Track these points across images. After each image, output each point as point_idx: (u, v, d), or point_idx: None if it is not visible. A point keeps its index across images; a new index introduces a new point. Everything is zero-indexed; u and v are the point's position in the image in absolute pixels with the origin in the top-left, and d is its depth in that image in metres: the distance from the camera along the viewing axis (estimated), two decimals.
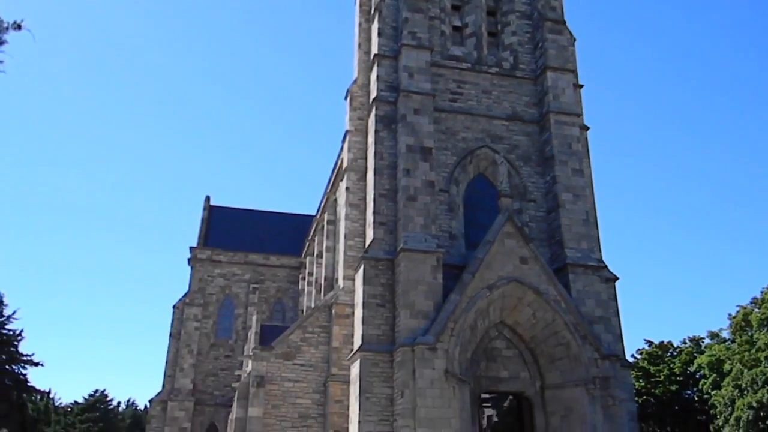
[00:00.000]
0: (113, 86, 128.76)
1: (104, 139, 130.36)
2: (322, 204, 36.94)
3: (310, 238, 41.92)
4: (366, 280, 23.24)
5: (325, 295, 30.84)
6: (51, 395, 55.41)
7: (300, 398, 26.32)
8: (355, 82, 29.38)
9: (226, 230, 51.17)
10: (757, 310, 35.44)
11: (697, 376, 40.66)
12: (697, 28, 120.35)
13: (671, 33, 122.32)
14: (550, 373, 22.89)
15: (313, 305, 33.98)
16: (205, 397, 44.36)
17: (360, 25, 30.05)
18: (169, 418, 42.53)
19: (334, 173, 33.07)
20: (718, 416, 35.18)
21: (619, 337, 25.20)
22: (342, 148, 30.40)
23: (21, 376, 39.77)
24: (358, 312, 23.53)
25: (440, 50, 27.74)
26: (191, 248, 48.50)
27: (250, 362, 27.78)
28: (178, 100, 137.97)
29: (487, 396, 23.74)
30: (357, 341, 23.32)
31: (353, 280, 25.49)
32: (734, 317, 36.46)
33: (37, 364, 40.35)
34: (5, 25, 10.59)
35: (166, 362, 45.17)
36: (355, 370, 22.90)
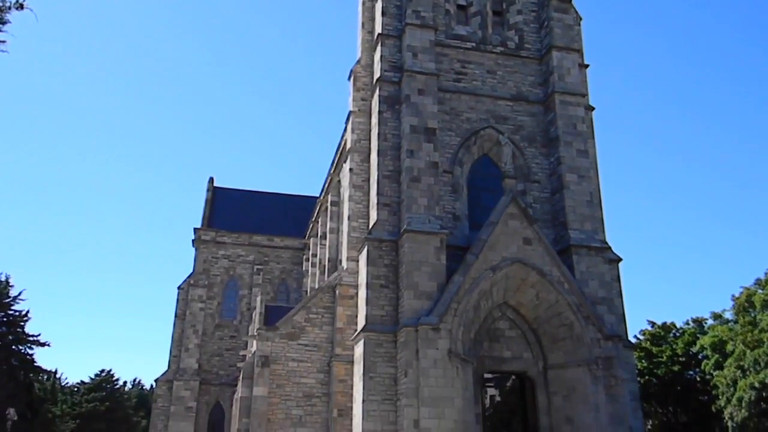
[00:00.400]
0: (116, 68, 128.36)
1: (109, 121, 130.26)
2: (326, 185, 36.88)
3: (313, 219, 41.93)
4: (370, 261, 23.29)
5: (329, 276, 30.93)
6: (57, 375, 55.99)
7: (304, 378, 26.55)
8: (358, 62, 29.16)
9: (230, 212, 51.22)
10: (760, 291, 35.44)
11: (700, 357, 40.80)
12: (704, 8, 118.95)
13: (678, 12, 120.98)
14: (552, 354, 23.01)
15: (317, 286, 34.09)
16: (210, 377, 44.77)
17: (363, 3, 29.72)
18: (175, 398, 42.96)
19: (338, 154, 32.97)
20: (720, 396, 35.37)
21: (622, 318, 25.27)
22: (345, 129, 30.27)
23: (27, 357, 40.17)
24: (362, 293, 23.61)
25: (444, 29, 27.46)
26: (195, 229, 48.59)
27: (254, 342, 27.97)
28: (181, 82, 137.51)
29: (490, 376, 23.93)
30: (361, 322, 23.44)
31: (357, 261, 25.54)
32: (738, 298, 36.49)
33: (43, 345, 40.76)
34: (7, 4, 10.55)
35: (172, 342, 45.51)
36: (359, 350, 23.05)
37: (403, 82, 25.46)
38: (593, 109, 28.61)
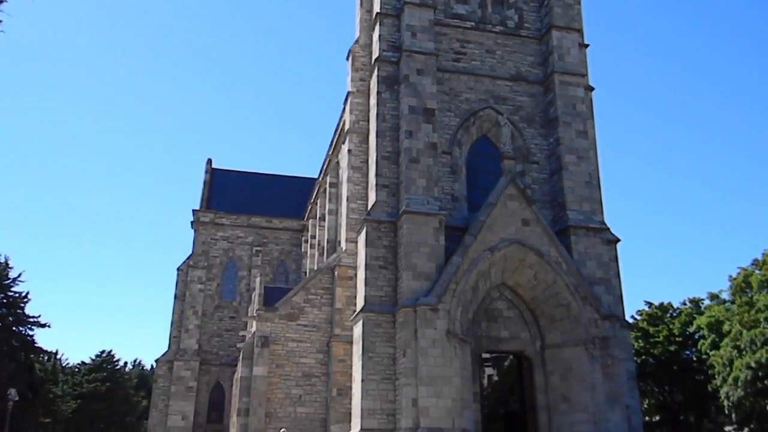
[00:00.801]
0: (115, 48, 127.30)
1: (108, 100, 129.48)
2: (325, 166, 36.79)
3: (312, 200, 41.91)
4: (368, 243, 23.33)
5: (327, 257, 31.00)
6: (58, 356, 56.21)
7: (304, 358, 26.76)
8: (357, 41, 28.93)
9: (228, 193, 51.17)
10: (758, 271, 35.50)
11: (696, 337, 41.00)
12: None
13: None
14: (550, 333, 23.16)
15: (316, 267, 34.18)
16: (210, 357, 45.07)
17: None
18: (176, 378, 43.30)
19: (336, 135, 32.84)
20: (716, 376, 35.60)
21: (620, 299, 25.41)
22: (344, 110, 30.11)
23: (28, 338, 40.26)
24: (361, 273, 23.69)
25: (443, 8, 27.19)
26: (194, 211, 48.60)
27: (254, 323, 28.13)
28: (181, 63, 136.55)
29: (487, 356, 24.13)
30: (360, 302, 23.55)
31: (356, 242, 25.59)
32: (735, 279, 36.56)
33: (43, 326, 40.82)
34: None
35: (172, 323, 45.77)
36: (357, 330, 23.18)
37: (401, 62, 25.27)
38: (593, 89, 28.47)
